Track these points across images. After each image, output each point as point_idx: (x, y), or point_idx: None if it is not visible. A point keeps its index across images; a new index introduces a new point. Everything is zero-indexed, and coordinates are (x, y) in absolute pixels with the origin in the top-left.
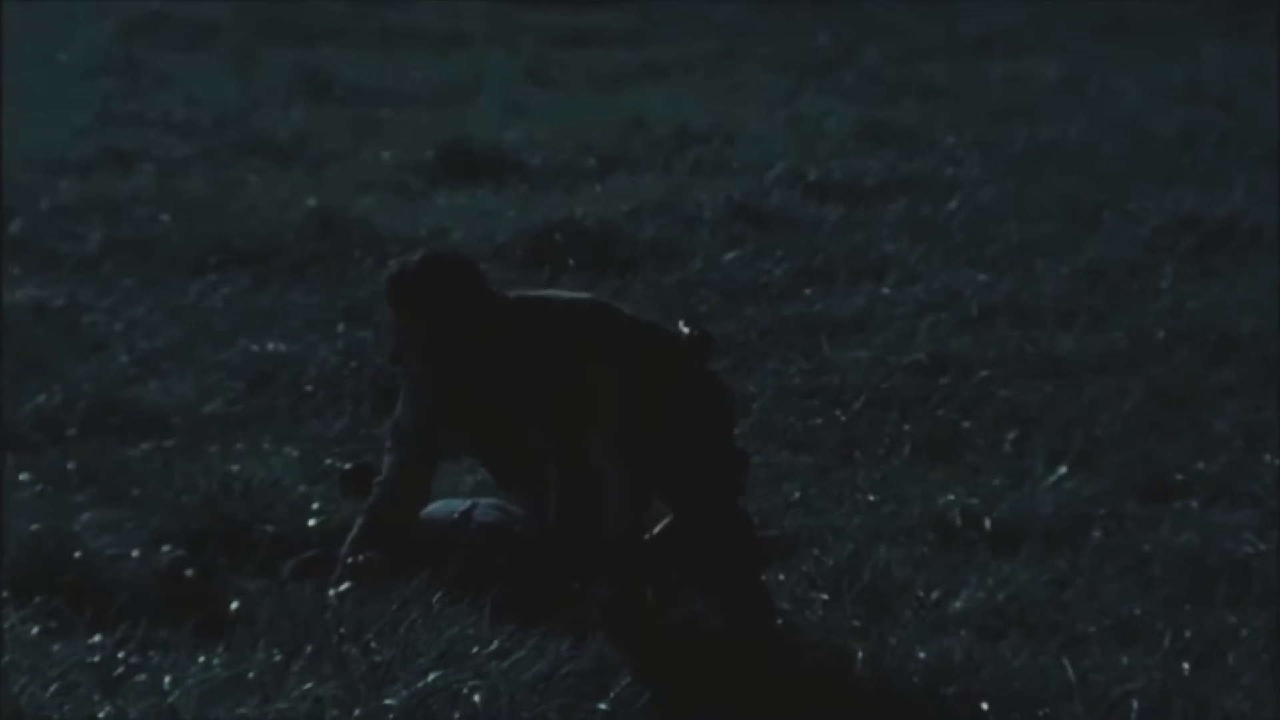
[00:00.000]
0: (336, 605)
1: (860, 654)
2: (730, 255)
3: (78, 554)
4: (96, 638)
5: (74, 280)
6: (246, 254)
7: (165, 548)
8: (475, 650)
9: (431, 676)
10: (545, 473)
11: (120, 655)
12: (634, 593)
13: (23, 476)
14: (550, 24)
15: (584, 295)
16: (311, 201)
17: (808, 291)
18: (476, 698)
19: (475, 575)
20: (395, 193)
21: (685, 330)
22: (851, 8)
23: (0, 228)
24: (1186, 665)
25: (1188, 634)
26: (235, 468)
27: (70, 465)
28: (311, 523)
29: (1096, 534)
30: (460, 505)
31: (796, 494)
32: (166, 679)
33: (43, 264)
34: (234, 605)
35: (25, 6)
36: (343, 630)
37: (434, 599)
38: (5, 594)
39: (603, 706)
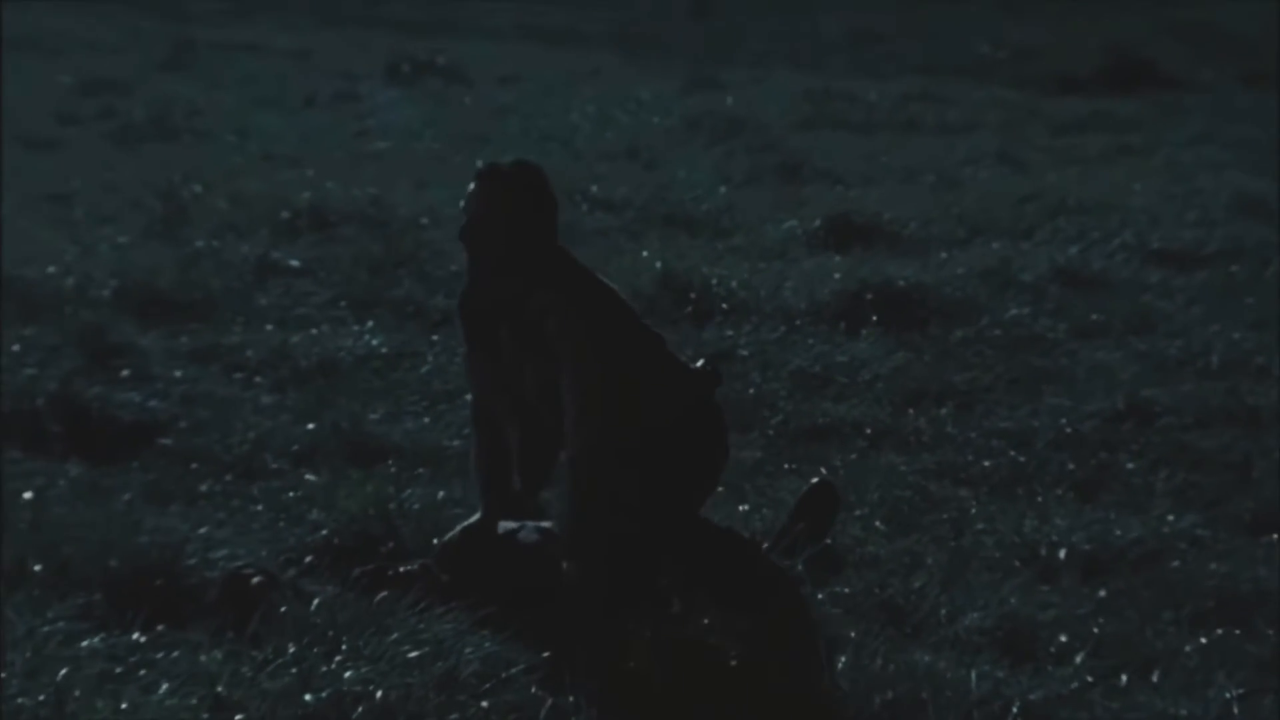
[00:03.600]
0: (329, 609)
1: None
2: (1013, 313)
3: (192, 562)
4: (137, 636)
5: (421, 332)
6: None
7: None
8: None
9: (348, 674)
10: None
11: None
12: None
13: (257, 495)
14: (1065, 112)
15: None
16: (657, 265)
17: (1073, 346)
18: (380, 693)
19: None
20: (770, 259)
21: (699, 365)
22: None
23: None
24: (1124, 678)
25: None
26: (408, 491)
27: (292, 491)
28: (435, 541)
29: (1175, 564)
30: (510, 526)
31: (878, 522)
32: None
33: (408, 319)
34: (282, 609)
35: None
36: (330, 633)
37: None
38: (98, 596)
39: (484, 705)
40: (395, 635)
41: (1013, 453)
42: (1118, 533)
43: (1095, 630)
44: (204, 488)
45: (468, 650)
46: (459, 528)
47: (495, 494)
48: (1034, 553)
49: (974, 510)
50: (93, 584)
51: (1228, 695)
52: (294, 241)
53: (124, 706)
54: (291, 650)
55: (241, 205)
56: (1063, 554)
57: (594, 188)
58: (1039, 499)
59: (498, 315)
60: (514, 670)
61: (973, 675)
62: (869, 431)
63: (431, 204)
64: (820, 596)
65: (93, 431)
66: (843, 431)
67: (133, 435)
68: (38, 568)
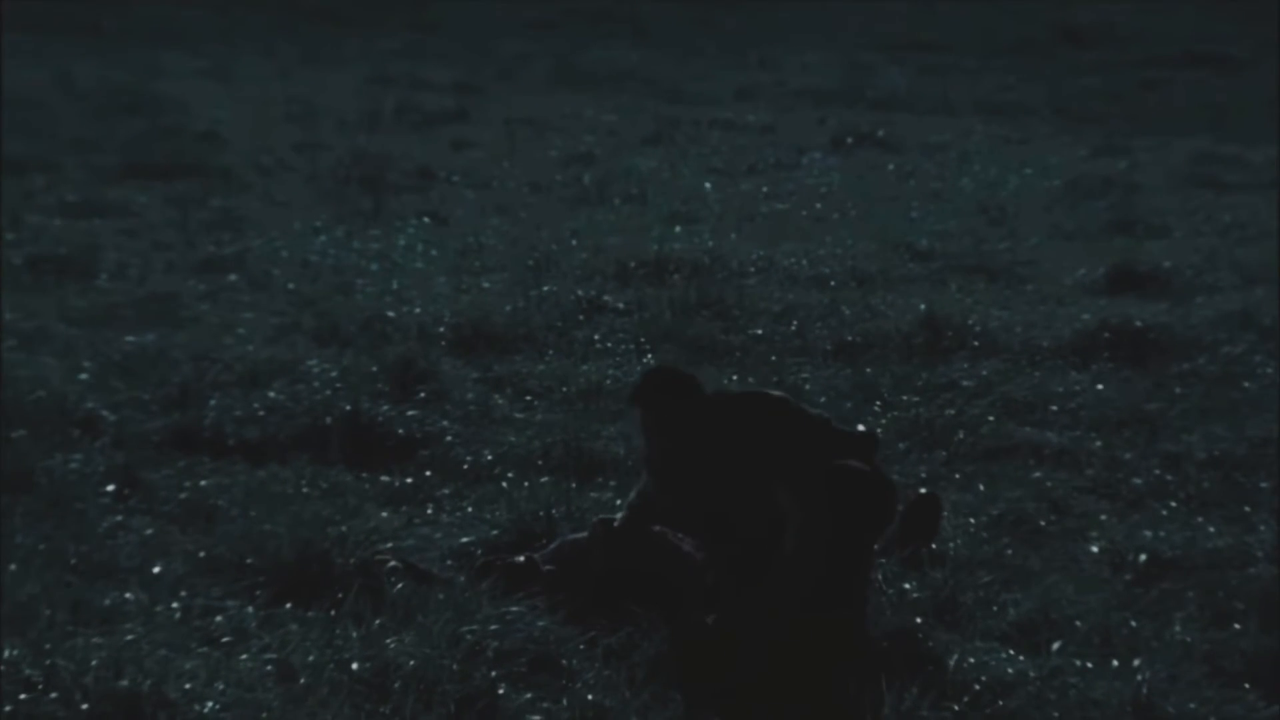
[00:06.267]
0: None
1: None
2: (1226, 350)
3: (355, 552)
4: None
5: (689, 364)
6: (852, 347)
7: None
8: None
9: (391, 645)
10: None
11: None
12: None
13: (473, 499)
14: None
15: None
16: (921, 307)
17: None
18: (412, 663)
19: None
20: (1047, 303)
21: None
22: None
23: None
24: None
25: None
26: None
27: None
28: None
29: (1250, 570)
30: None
31: (971, 525)
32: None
33: (687, 353)
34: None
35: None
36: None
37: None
38: (260, 579)
39: (494, 673)
40: (449, 615)
41: (1158, 471)
42: (1207, 543)
43: (1113, 623)
44: (438, 493)
45: (493, 627)
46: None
47: (647, 511)
48: (1120, 558)
49: (1102, 519)
50: (263, 570)
51: (1139, 678)
52: (627, 286)
53: (194, 666)
54: (376, 625)
55: (599, 255)
56: (1143, 558)
57: (922, 240)
58: (1162, 512)
59: None
60: (549, 649)
61: (953, 656)
62: (1045, 452)
63: (768, 256)
64: (890, 591)
65: (370, 445)
66: (1020, 452)
67: (404, 448)
68: (201, 554)
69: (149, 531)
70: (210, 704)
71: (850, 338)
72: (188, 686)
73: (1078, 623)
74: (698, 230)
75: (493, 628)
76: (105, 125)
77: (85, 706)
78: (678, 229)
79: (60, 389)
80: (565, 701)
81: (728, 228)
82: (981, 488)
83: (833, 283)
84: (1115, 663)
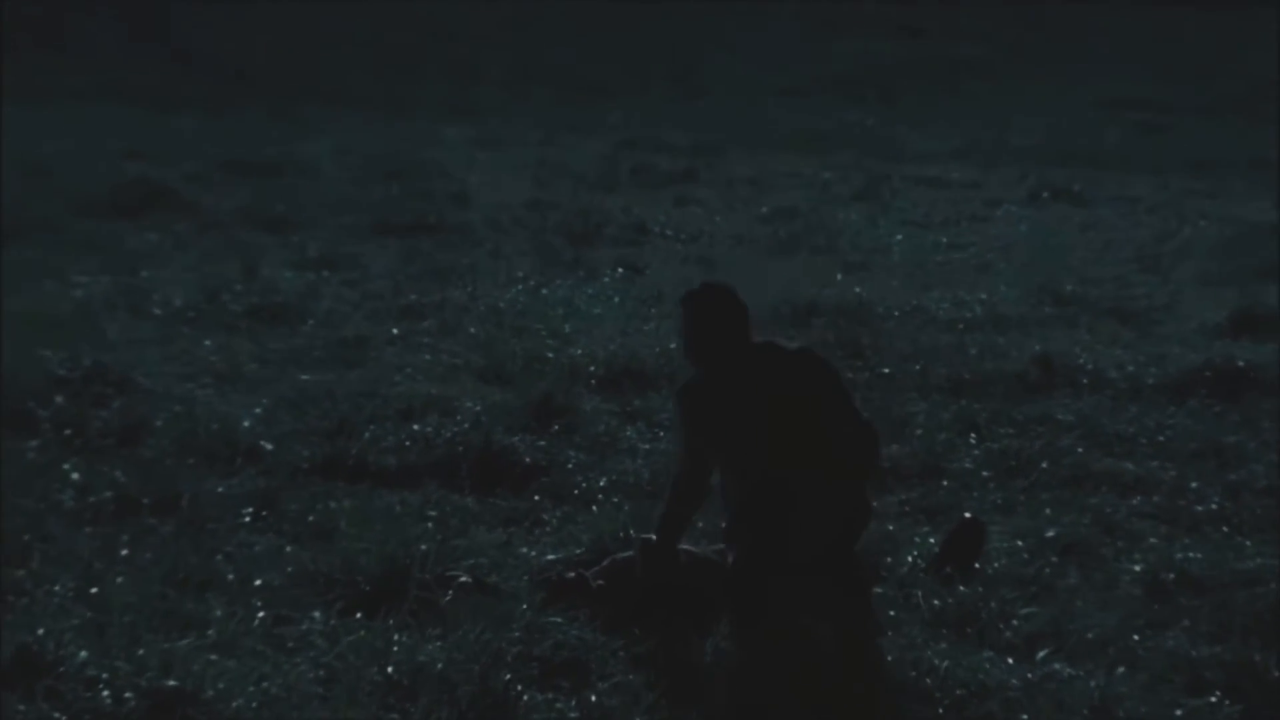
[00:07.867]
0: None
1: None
2: None
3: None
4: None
5: None
6: (966, 384)
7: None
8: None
9: (429, 648)
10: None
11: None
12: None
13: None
14: None
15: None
16: (1036, 346)
17: None
18: (440, 666)
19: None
20: (1169, 343)
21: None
22: None
23: None
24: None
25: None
26: None
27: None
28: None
29: (1262, 589)
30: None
31: (1024, 550)
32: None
33: None
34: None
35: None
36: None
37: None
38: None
39: (508, 676)
40: (484, 623)
41: (1217, 499)
42: (1237, 564)
43: (1116, 635)
44: (545, 515)
45: (516, 634)
46: (638, 542)
47: (675, 525)
48: (1154, 576)
49: (1152, 541)
50: (349, 584)
51: (1092, 684)
52: (774, 328)
53: (246, 668)
54: (427, 633)
55: (759, 299)
56: (1171, 576)
57: (1068, 285)
58: (1213, 536)
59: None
60: (579, 655)
61: (945, 663)
62: (1121, 480)
63: (916, 301)
64: (921, 607)
65: (498, 471)
66: (1095, 480)
67: (527, 474)
68: (289, 569)
69: (258, 548)
70: (241, 701)
71: (967, 375)
72: (221, 686)
73: (1089, 635)
74: (865, 277)
75: (516, 634)
76: (365, 188)
77: (133, 704)
78: (839, 276)
79: (234, 421)
80: (574, 702)
81: (894, 275)
82: (1047, 512)
83: (961, 325)
84: (1104, 671)
